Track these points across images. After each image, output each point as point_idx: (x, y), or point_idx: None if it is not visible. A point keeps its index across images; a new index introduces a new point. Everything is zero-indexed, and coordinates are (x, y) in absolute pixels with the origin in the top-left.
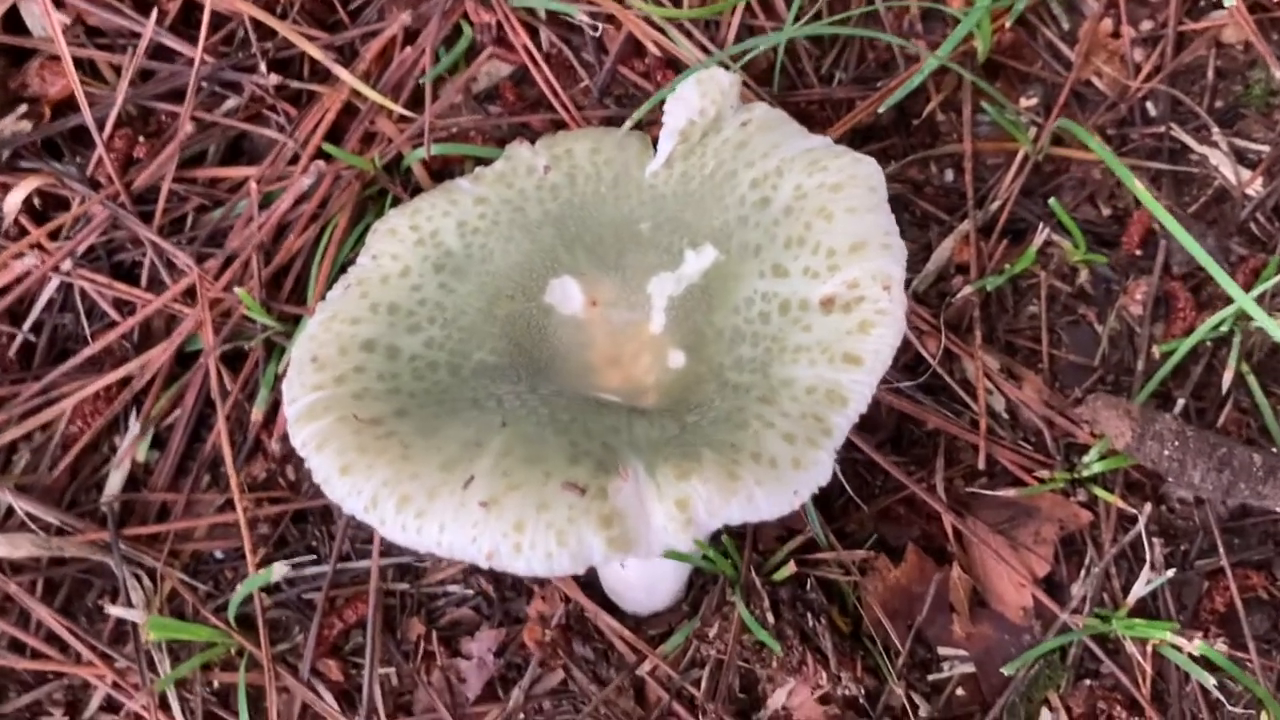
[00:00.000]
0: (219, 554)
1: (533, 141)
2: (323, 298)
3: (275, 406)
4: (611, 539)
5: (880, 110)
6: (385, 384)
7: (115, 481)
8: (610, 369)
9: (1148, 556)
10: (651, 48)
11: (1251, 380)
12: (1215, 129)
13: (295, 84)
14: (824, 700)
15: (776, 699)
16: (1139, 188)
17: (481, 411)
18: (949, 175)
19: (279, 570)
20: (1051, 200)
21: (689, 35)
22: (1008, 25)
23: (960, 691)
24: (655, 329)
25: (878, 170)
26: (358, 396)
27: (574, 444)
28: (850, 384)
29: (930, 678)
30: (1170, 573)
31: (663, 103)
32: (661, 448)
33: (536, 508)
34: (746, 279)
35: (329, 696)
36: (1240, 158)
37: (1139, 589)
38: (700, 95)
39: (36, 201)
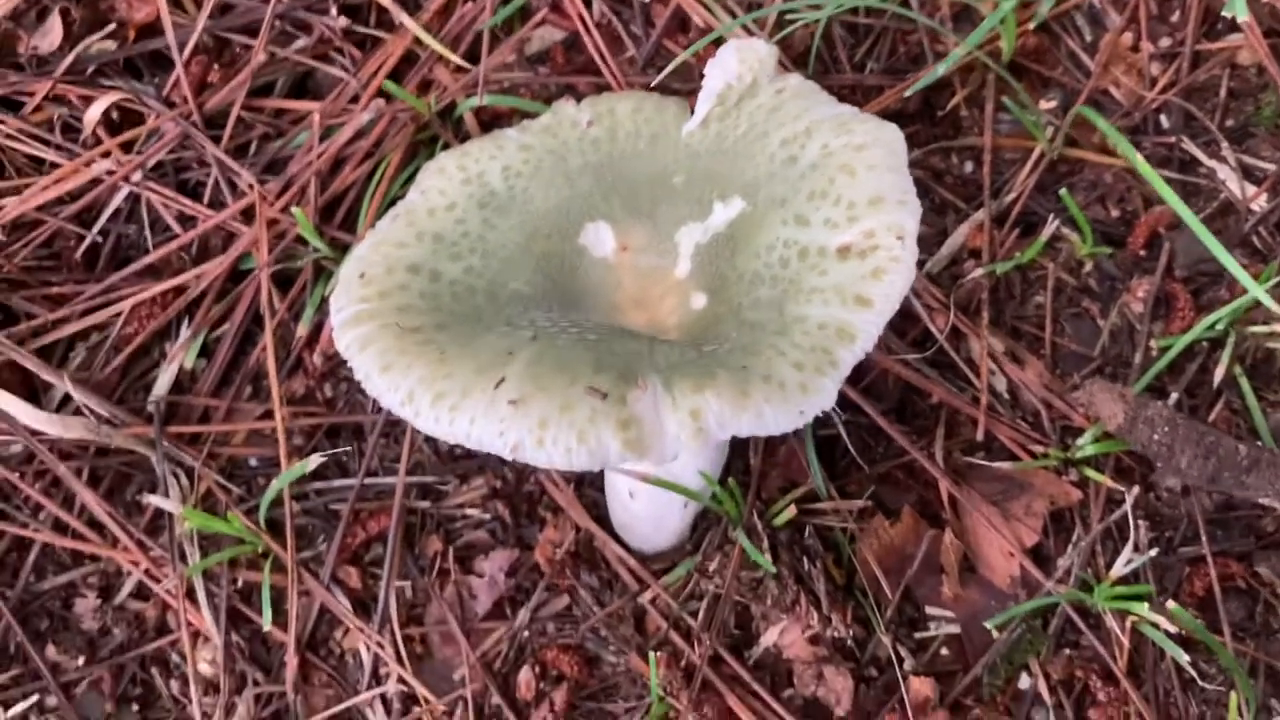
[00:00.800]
0: (254, 461)
1: (578, 101)
2: (372, 227)
3: (319, 327)
4: (628, 440)
5: (908, 95)
6: (427, 302)
7: (163, 383)
8: (635, 310)
9: (1132, 536)
10: (697, 21)
11: (1243, 382)
12: (1225, 144)
13: (362, 29)
14: (814, 640)
15: (769, 636)
16: (1158, 179)
17: (515, 329)
18: (968, 167)
19: (314, 461)
20: (1063, 191)
21: (732, 15)
22: (1031, 28)
23: (944, 651)
24: (680, 274)
25: (900, 136)
26: (401, 309)
27: (599, 359)
28: (860, 323)
29: (917, 635)
30: (1153, 553)
31: (699, 61)
32: (680, 368)
33: (560, 408)
34: (770, 227)
35: (346, 602)
36: (1247, 174)
37: (1121, 564)
38: (739, 62)
39: (114, 115)
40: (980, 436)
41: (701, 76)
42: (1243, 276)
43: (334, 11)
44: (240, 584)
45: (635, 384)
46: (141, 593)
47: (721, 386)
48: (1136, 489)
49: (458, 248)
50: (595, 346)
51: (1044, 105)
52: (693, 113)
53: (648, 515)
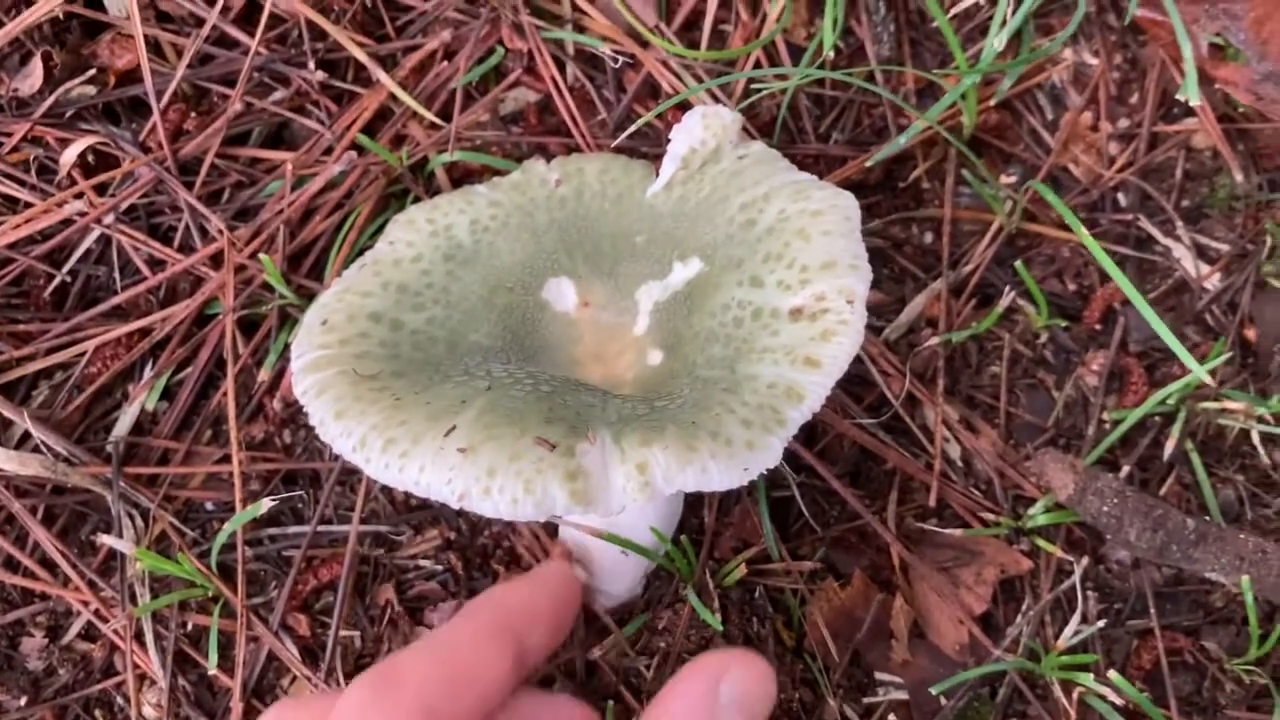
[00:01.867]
0: (210, 505)
1: (548, 160)
2: (339, 275)
3: (281, 373)
4: (574, 491)
5: (869, 165)
6: (386, 350)
7: (124, 424)
8: (593, 363)
9: (1079, 607)
10: (667, 88)
11: (1194, 457)
12: (1180, 224)
13: (339, 84)
14: None
15: None
16: (1105, 257)
17: (471, 378)
18: (928, 237)
19: (265, 505)
20: (1018, 262)
21: (701, 80)
22: (993, 105)
23: (892, 717)
24: (639, 331)
25: (855, 204)
26: (359, 357)
27: (551, 410)
28: (808, 384)
29: (865, 700)
30: (1101, 624)
31: (666, 126)
32: (631, 421)
33: (509, 458)
34: (726, 288)
35: (294, 649)
36: (1201, 253)
37: (1068, 634)
38: (704, 128)
39: (90, 158)
40: (933, 503)
41: (668, 140)
42: (1184, 355)
43: (312, 65)
44: (189, 628)
45: (585, 436)
46: (89, 633)
47: (669, 440)
48: (1086, 560)
49: (421, 298)
50: (549, 398)
51: (1004, 180)
52: (658, 175)
53: (599, 570)
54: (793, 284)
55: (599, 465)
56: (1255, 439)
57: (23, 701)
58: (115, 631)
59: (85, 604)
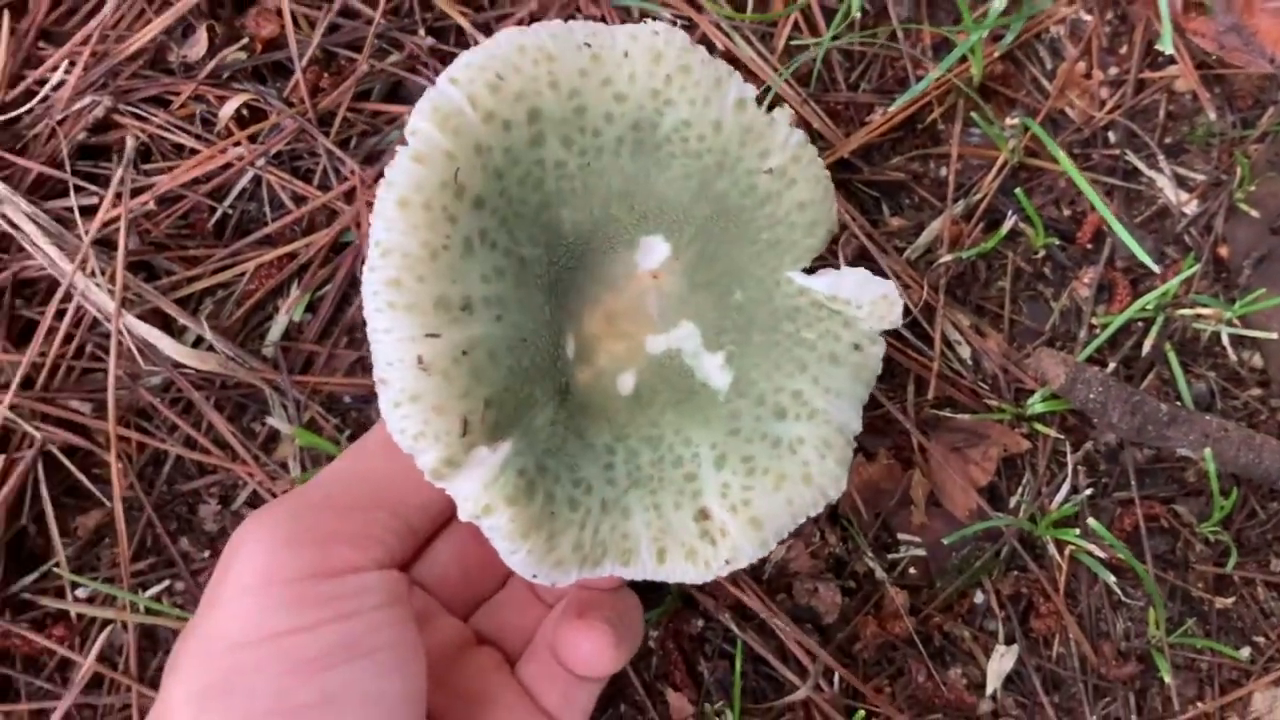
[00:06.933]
0: (348, 398)
1: None
2: None
3: None
4: (436, 471)
5: (889, 109)
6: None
7: (275, 331)
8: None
9: (1068, 479)
10: (719, 46)
11: (1172, 356)
12: (1162, 158)
13: (444, 47)
14: (814, 555)
15: (778, 551)
16: (1086, 185)
17: (497, 280)
18: (943, 171)
19: None
20: (1017, 190)
21: (749, 42)
22: (997, 55)
23: (912, 570)
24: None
25: None
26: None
27: (510, 374)
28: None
29: (889, 556)
30: (1088, 492)
31: None
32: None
33: (433, 407)
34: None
35: None
36: (1181, 183)
37: (1059, 500)
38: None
39: (244, 112)
40: (946, 394)
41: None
42: (1146, 259)
43: (422, 32)
44: None
45: (494, 440)
46: (254, 501)
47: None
48: (1079, 442)
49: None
50: (525, 350)
51: (1009, 122)
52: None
53: None
54: None
55: (475, 471)
56: (1225, 340)
57: (206, 555)
58: (274, 496)
59: (251, 475)
